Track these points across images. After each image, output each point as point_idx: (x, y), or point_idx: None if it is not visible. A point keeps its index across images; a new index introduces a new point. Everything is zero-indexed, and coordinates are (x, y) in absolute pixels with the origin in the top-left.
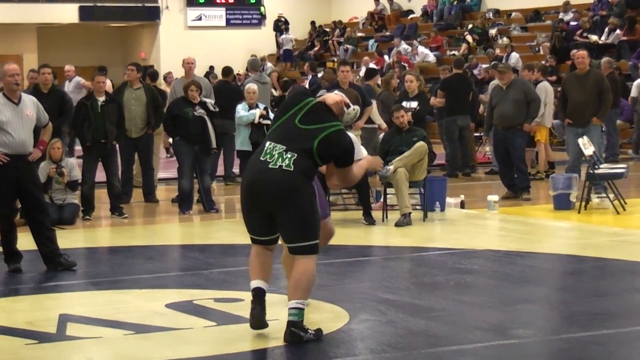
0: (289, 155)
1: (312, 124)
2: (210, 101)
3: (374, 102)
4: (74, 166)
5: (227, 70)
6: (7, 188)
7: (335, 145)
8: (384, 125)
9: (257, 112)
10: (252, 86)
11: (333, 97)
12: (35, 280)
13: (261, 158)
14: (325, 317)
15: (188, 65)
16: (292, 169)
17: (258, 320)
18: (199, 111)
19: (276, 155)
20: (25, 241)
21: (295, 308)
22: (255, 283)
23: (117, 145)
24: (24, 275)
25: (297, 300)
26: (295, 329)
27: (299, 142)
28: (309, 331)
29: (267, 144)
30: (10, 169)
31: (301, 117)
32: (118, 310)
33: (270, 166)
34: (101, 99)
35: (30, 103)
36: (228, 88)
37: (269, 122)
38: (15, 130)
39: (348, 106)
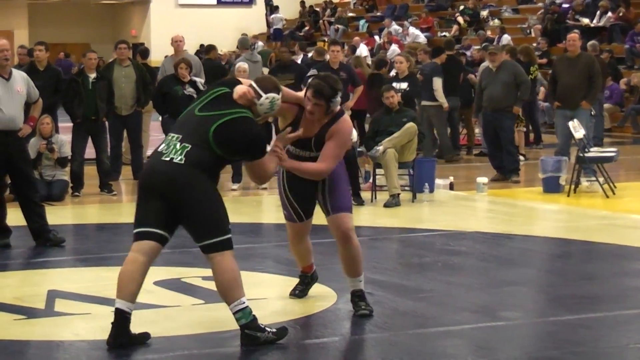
0: (183, 147)
1: (211, 110)
2: (200, 80)
3: (439, 80)
4: (64, 142)
5: (209, 48)
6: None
7: (236, 133)
8: (446, 105)
9: None
10: (242, 65)
11: (239, 89)
12: (24, 256)
13: (159, 149)
14: (312, 296)
15: (176, 43)
16: (182, 162)
17: (112, 339)
18: (189, 90)
19: (171, 147)
20: (14, 217)
21: (237, 312)
22: (117, 303)
23: (107, 123)
24: (12, 251)
25: (233, 304)
26: (249, 331)
27: (194, 130)
28: (267, 330)
29: (169, 135)
30: (4, 144)
31: (202, 106)
32: (106, 287)
33: (163, 158)
34: (92, 75)
35: (20, 79)
36: (212, 65)
37: None
38: (5, 106)
39: (259, 96)
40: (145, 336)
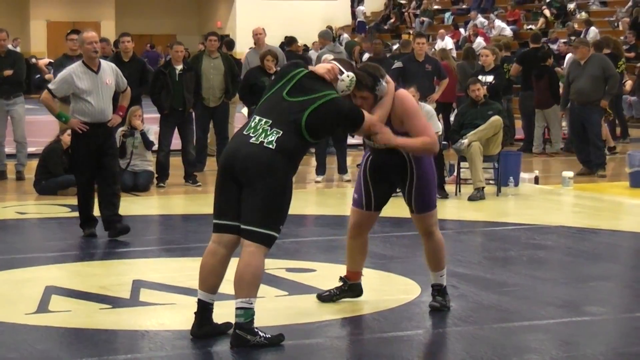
0: (274, 132)
1: (301, 95)
2: None
3: None
4: (149, 130)
5: (290, 40)
6: (88, 155)
7: (332, 115)
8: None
9: None
10: (328, 56)
11: (324, 65)
12: (110, 245)
13: (244, 132)
14: (397, 289)
15: (257, 36)
16: (273, 147)
17: (196, 329)
18: None
19: (260, 130)
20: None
21: (240, 308)
22: (199, 294)
23: (194, 114)
24: (98, 240)
25: (242, 299)
26: (240, 332)
27: (286, 116)
28: (260, 334)
29: (254, 118)
30: (91, 137)
31: (290, 89)
32: (190, 277)
33: (251, 141)
34: (179, 67)
35: (109, 70)
36: (291, 57)
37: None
38: (95, 99)
39: (341, 72)
40: (228, 326)
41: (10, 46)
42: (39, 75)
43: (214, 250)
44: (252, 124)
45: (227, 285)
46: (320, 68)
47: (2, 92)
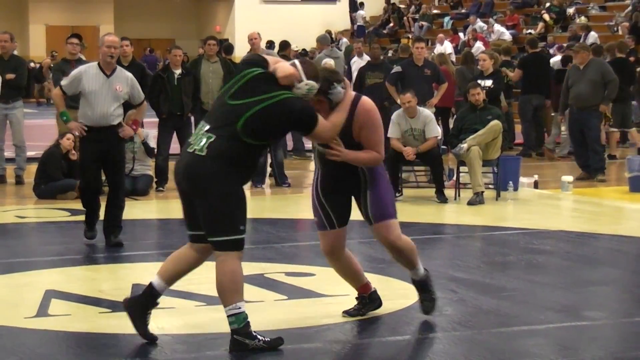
0: (206, 137)
1: (246, 97)
2: None
3: None
4: (148, 136)
5: (284, 44)
6: (90, 159)
7: (280, 115)
8: None
9: None
10: (328, 61)
11: (285, 69)
12: (109, 249)
13: (189, 139)
14: (396, 293)
15: (252, 41)
16: (204, 153)
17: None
18: None
19: (198, 138)
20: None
21: (231, 315)
22: (154, 280)
23: (192, 118)
24: (98, 245)
25: (229, 307)
26: (238, 337)
27: (223, 120)
28: (259, 337)
29: (200, 123)
30: (93, 141)
31: (235, 91)
32: (190, 282)
33: (188, 150)
34: (177, 71)
35: (124, 78)
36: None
37: None
38: (98, 102)
39: (300, 80)
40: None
41: (15, 51)
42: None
43: (184, 248)
44: (196, 131)
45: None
46: (280, 71)
47: (1, 96)
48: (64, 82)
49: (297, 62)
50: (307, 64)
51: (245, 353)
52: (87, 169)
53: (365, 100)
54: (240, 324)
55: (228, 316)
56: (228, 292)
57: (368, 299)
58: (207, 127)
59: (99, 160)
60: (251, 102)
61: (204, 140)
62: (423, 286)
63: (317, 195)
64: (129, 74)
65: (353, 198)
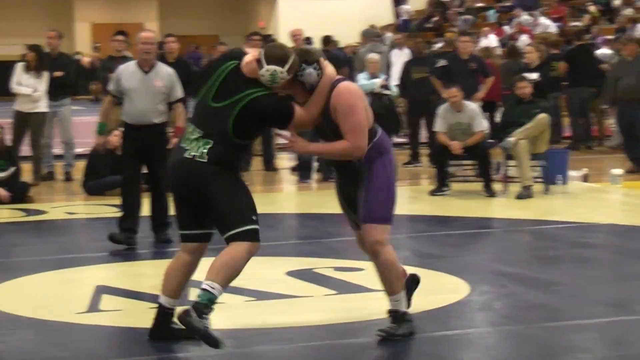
0: (204, 142)
1: (226, 98)
2: None
3: None
4: None
5: (326, 39)
6: (130, 157)
7: (257, 115)
8: None
9: (377, 81)
10: (373, 56)
11: (246, 58)
12: (159, 245)
13: (181, 144)
14: (445, 288)
15: (294, 37)
16: (205, 160)
17: (153, 332)
18: None
19: (193, 142)
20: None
21: (203, 290)
22: (160, 298)
23: None
24: (147, 240)
25: (210, 282)
26: (191, 312)
27: (213, 124)
28: (207, 327)
29: (189, 125)
30: (134, 139)
31: (216, 91)
32: (239, 277)
33: (185, 155)
34: None
35: (164, 74)
36: (330, 56)
37: (389, 92)
38: (136, 100)
39: (260, 67)
40: (187, 331)
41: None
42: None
43: (178, 256)
44: (187, 134)
45: (277, 285)
46: (244, 61)
47: (49, 93)
48: (110, 86)
49: (261, 49)
50: (270, 48)
51: (295, 348)
52: (126, 166)
53: (344, 83)
54: (203, 300)
55: (200, 288)
56: (216, 269)
57: (411, 280)
58: (200, 132)
59: (139, 157)
60: (230, 104)
61: (202, 146)
62: (396, 320)
63: (337, 197)
64: (170, 69)
65: None
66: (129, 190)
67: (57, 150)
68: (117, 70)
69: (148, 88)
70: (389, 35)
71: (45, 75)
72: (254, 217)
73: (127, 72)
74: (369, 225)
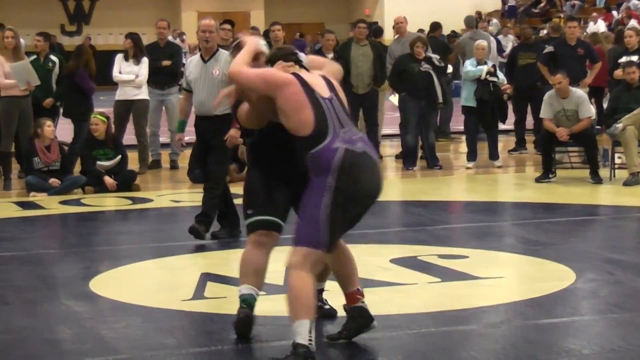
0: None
1: None
2: (435, 56)
3: None
4: None
5: (435, 26)
6: (199, 149)
7: None
8: None
9: (484, 68)
10: (482, 42)
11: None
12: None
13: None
14: (551, 275)
15: (398, 25)
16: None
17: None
18: (425, 66)
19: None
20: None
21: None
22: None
23: None
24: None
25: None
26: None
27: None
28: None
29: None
30: (200, 131)
31: None
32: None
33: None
34: (329, 55)
35: (223, 61)
36: (436, 43)
37: (495, 79)
38: (198, 90)
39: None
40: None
41: (170, 37)
42: None
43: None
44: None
45: (382, 273)
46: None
47: (157, 82)
48: (182, 81)
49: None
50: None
51: (399, 335)
52: (197, 157)
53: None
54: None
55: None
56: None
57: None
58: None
59: (203, 149)
60: None
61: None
62: (293, 348)
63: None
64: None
65: None
66: (204, 184)
67: (164, 138)
68: (187, 62)
69: (206, 77)
70: (494, 21)
71: (145, 62)
72: (248, 210)
73: (192, 63)
74: (295, 248)
